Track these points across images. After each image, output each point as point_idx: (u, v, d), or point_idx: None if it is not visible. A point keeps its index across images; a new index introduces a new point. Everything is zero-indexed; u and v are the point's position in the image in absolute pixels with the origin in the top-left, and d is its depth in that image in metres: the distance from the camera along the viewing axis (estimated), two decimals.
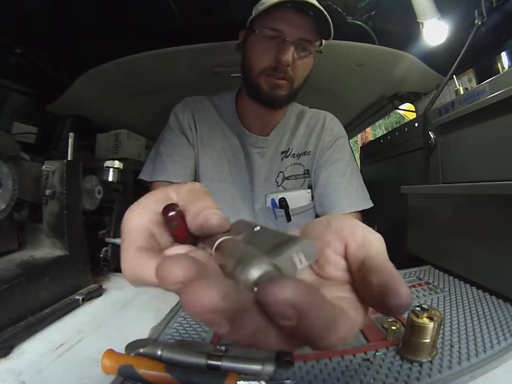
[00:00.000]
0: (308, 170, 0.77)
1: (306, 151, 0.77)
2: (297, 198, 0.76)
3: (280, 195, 0.74)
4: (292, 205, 0.74)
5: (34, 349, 0.35)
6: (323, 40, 0.68)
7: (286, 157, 0.76)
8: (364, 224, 0.19)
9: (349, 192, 0.72)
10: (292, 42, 0.62)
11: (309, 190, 0.77)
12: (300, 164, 0.77)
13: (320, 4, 0.60)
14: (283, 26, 0.62)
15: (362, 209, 0.72)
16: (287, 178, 0.76)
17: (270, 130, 0.75)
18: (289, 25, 0.62)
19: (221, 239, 0.17)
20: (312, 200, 0.77)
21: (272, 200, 0.75)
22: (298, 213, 0.76)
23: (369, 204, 0.74)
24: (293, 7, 0.60)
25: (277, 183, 0.76)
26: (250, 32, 0.66)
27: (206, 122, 0.74)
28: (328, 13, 0.60)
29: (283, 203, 0.74)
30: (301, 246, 0.15)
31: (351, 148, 0.83)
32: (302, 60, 0.65)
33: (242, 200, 0.76)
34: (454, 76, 0.85)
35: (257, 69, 0.65)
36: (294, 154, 0.77)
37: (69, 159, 0.49)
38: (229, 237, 0.18)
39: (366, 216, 0.74)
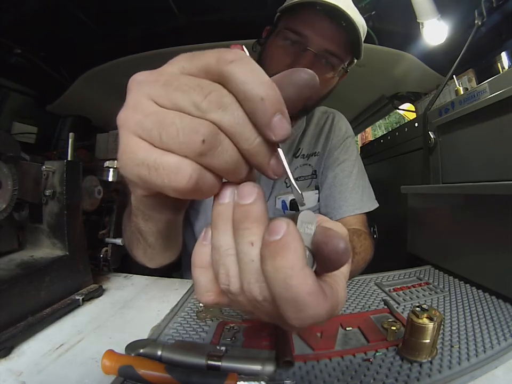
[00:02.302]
0: (315, 171, 0.76)
1: (315, 152, 0.76)
2: (306, 199, 0.75)
3: (291, 197, 0.73)
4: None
5: (34, 349, 0.35)
6: (354, 59, 0.61)
7: (296, 158, 0.74)
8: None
9: (354, 194, 0.71)
10: (313, 52, 0.54)
11: (317, 191, 0.76)
12: (309, 164, 0.75)
13: None
14: (308, 32, 0.54)
15: (367, 211, 0.71)
16: (296, 179, 0.74)
17: None
18: (316, 32, 0.54)
19: None
20: (318, 202, 0.76)
21: (283, 202, 0.73)
22: None
23: (374, 205, 0.73)
24: (323, 12, 0.52)
25: (286, 183, 0.74)
26: (273, 30, 0.60)
27: None
28: None
29: (294, 205, 0.72)
30: (304, 218, 0.18)
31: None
32: (322, 75, 0.58)
33: None
34: (454, 76, 0.85)
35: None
36: (304, 155, 0.75)
37: (69, 159, 0.49)
38: None
39: (368, 215, 0.74)
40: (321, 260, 0.18)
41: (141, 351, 0.31)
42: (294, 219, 0.18)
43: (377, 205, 0.74)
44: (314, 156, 0.76)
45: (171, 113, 0.17)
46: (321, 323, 0.17)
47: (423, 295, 0.50)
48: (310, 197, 0.76)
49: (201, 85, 0.17)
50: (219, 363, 0.30)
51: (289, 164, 0.73)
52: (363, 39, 0.56)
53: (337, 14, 0.53)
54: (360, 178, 0.74)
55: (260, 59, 0.63)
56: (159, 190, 0.18)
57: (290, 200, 0.73)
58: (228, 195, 0.19)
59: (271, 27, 0.63)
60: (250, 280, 0.18)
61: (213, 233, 0.19)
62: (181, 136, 0.16)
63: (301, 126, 0.75)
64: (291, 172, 0.19)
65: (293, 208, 0.73)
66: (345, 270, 0.21)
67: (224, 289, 0.19)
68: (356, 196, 0.71)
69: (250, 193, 0.18)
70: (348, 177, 0.73)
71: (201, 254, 0.20)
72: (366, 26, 0.59)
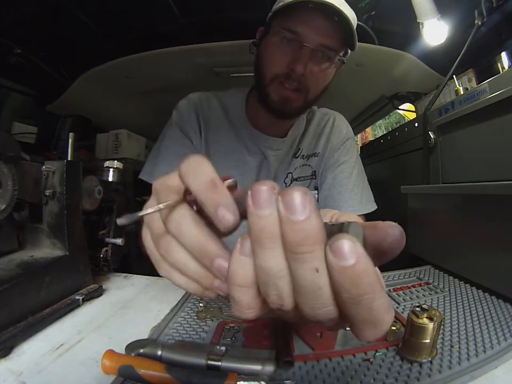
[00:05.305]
0: (315, 171, 0.76)
1: (315, 153, 0.76)
2: None
3: None
4: None
5: (34, 349, 0.35)
6: (349, 50, 0.63)
7: (296, 158, 0.74)
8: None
9: (354, 195, 0.71)
10: (310, 48, 0.56)
11: (316, 192, 0.76)
12: (309, 165, 0.75)
13: None
14: (303, 29, 0.56)
15: (366, 212, 0.71)
16: (296, 179, 0.74)
17: (287, 131, 0.72)
18: (310, 28, 0.56)
19: None
20: (317, 202, 0.76)
21: None
22: None
23: (373, 207, 0.73)
24: (315, 9, 0.54)
25: (285, 184, 0.74)
26: (267, 31, 0.61)
27: (212, 125, 0.71)
28: None
29: None
30: (353, 230, 0.17)
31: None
32: (320, 68, 0.60)
33: None
34: (454, 76, 0.86)
35: (269, 75, 0.60)
36: (304, 155, 0.75)
37: (69, 159, 0.49)
38: None
39: (366, 216, 0.74)
40: (379, 258, 0.18)
41: (141, 351, 0.31)
42: (343, 231, 0.16)
43: (375, 207, 0.74)
44: (315, 156, 0.76)
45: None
46: None
47: (423, 295, 0.50)
48: None
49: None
50: (219, 363, 0.30)
51: (289, 165, 0.74)
52: (355, 31, 0.58)
53: (329, 10, 0.54)
54: (359, 180, 0.74)
55: (258, 60, 0.64)
56: None
57: None
58: (267, 203, 0.15)
59: (265, 28, 0.63)
60: (315, 306, 0.16)
61: (257, 251, 0.16)
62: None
63: (301, 126, 0.75)
64: None
65: None
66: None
67: (275, 308, 0.18)
68: (355, 197, 0.71)
69: (303, 205, 0.14)
70: (348, 178, 0.72)
71: (241, 271, 0.17)
72: (356, 18, 0.60)
